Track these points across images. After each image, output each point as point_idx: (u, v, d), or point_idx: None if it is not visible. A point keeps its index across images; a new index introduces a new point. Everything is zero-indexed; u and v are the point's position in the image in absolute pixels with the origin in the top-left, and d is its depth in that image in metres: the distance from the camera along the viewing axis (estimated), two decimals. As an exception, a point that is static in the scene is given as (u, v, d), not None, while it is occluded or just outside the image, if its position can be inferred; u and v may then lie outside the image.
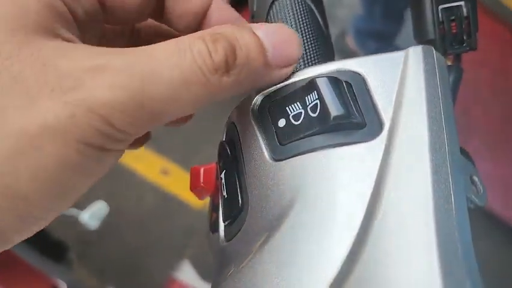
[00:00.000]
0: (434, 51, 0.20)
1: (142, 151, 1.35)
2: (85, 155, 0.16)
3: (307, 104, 0.18)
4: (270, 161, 0.19)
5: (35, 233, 0.18)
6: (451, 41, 0.23)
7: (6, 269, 0.74)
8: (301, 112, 0.18)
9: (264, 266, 0.17)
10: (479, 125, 1.23)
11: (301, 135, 0.18)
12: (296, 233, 0.17)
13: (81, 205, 1.02)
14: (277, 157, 0.19)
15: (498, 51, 1.30)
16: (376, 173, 0.17)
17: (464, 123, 1.21)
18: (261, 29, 0.19)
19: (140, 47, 0.17)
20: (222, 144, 0.23)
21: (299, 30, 0.24)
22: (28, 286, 0.74)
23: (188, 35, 0.18)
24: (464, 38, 0.23)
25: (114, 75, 0.16)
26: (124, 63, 0.16)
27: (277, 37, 0.19)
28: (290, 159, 0.18)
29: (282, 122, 0.19)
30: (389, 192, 0.16)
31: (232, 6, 0.23)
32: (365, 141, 0.17)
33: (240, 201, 0.20)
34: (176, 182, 1.34)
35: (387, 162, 0.17)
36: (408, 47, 0.19)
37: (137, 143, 0.27)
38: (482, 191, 0.18)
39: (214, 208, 0.25)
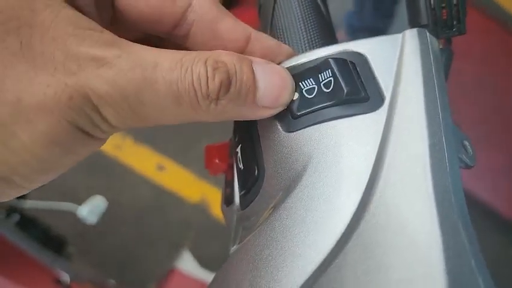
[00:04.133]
0: (428, 33, 0.22)
1: (138, 147, 1.37)
2: (72, 137, 0.17)
3: (321, 80, 0.21)
4: (284, 133, 0.21)
5: (12, 197, 0.19)
6: (442, 26, 0.25)
7: (10, 262, 0.75)
8: (314, 87, 0.21)
9: (281, 221, 0.19)
10: (467, 118, 1.27)
11: (314, 108, 0.20)
12: (310, 192, 0.19)
13: (79, 200, 1.04)
14: (290, 129, 0.21)
15: (481, 42, 1.34)
16: (380, 138, 0.19)
17: (452, 116, 1.23)
18: (261, 66, 0.20)
19: (149, 50, 0.18)
20: (236, 122, 0.25)
21: (304, 17, 0.26)
22: (32, 278, 0.76)
23: (196, 52, 0.18)
24: (454, 23, 0.25)
25: (116, 73, 0.17)
26: (128, 64, 0.17)
27: (273, 79, 0.20)
28: (302, 130, 0.20)
29: (295, 96, 0.21)
30: (392, 153, 0.18)
31: (225, 6, 0.23)
32: (369, 112, 0.20)
33: (256, 171, 0.22)
34: (172, 177, 1.35)
35: (389, 129, 0.19)
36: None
37: None
38: (471, 153, 0.20)
39: (227, 184, 0.28)
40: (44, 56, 0.16)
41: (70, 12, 0.17)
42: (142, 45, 0.18)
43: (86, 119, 0.17)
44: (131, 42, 0.18)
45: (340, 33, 1.40)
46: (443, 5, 0.25)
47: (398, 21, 1.32)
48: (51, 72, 0.16)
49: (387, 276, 0.15)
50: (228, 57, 0.19)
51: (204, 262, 1.00)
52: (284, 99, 0.20)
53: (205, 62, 0.18)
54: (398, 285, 0.15)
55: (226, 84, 0.18)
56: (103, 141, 0.19)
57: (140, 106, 0.17)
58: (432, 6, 0.25)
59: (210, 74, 0.18)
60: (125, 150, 1.34)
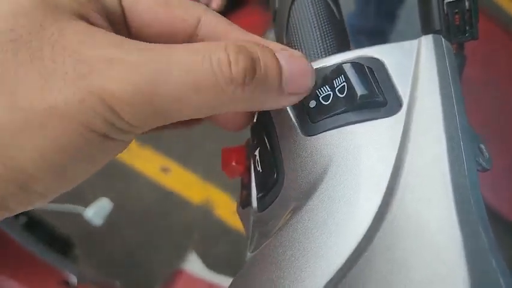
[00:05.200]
0: (443, 39, 0.23)
1: (142, 149, 1.38)
2: (88, 140, 0.17)
3: (335, 86, 0.21)
4: (303, 136, 0.22)
5: (35, 206, 0.19)
6: (455, 31, 0.26)
7: (17, 264, 0.76)
8: (330, 94, 0.21)
9: (303, 223, 0.20)
10: (470, 120, 1.27)
11: (331, 114, 0.21)
12: (331, 195, 0.19)
13: (85, 202, 1.04)
14: (310, 133, 0.21)
15: (487, 48, 1.34)
16: (398, 142, 0.19)
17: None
18: (282, 54, 0.20)
19: (160, 45, 0.18)
20: (254, 125, 0.26)
21: (319, 24, 0.27)
22: (39, 280, 0.76)
23: (214, 42, 0.18)
24: (467, 28, 0.26)
25: (127, 70, 0.17)
26: (140, 59, 0.17)
27: (295, 65, 0.20)
28: (322, 133, 0.21)
29: (312, 103, 0.21)
30: (411, 157, 0.19)
31: (229, 7, 0.24)
32: (387, 117, 0.20)
33: (275, 174, 0.23)
34: (176, 179, 1.36)
35: (407, 133, 0.19)
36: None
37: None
38: (488, 157, 0.21)
39: (244, 187, 0.28)
40: (55, 63, 0.17)
41: (79, 23, 0.18)
42: (152, 43, 0.18)
43: (101, 121, 0.17)
44: (141, 42, 0.18)
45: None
46: (456, 10, 0.25)
47: (400, 22, 1.32)
48: (62, 78, 0.16)
49: (410, 277, 0.16)
50: (248, 44, 0.19)
51: (209, 263, 1.01)
52: (308, 84, 0.20)
53: (225, 49, 0.18)
54: (421, 285, 0.16)
55: (251, 68, 0.18)
56: (125, 143, 0.19)
57: (157, 100, 0.17)
58: (445, 12, 0.26)
59: (232, 58, 0.18)
60: (130, 153, 1.35)
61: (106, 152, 0.18)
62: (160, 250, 1.24)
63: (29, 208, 0.19)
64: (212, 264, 1.02)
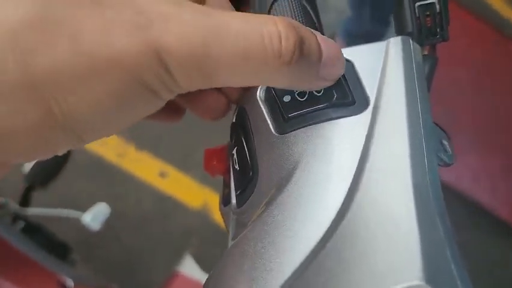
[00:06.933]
0: (411, 41, 0.23)
1: (140, 154, 1.39)
2: (138, 93, 0.17)
3: None
4: (276, 135, 0.22)
5: (69, 149, 0.19)
6: (427, 33, 0.27)
7: (16, 268, 0.77)
8: (305, 91, 0.22)
9: (273, 217, 0.20)
10: (465, 121, 1.29)
11: (305, 110, 0.22)
12: (300, 188, 0.20)
13: (83, 207, 1.05)
14: (283, 131, 0.22)
15: (480, 49, 1.35)
16: (364, 138, 0.20)
17: (451, 119, 1.26)
18: (320, 37, 0.20)
19: (214, 9, 0.18)
20: (233, 125, 0.27)
21: None
22: (38, 283, 0.77)
23: (264, 15, 0.18)
24: (438, 30, 0.27)
25: (183, 27, 0.17)
26: (195, 19, 0.17)
27: (332, 51, 0.20)
28: (293, 131, 0.22)
29: (287, 98, 0.22)
30: (374, 152, 0.20)
31: (234, 5, 0.24)
32: (355, 115, 0.21)
33: (250, 171, 0.24)
34: (174, 184, 1.37)
35: (373, 130, 0.20)
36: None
37: (175, 116, 0.28)
38: (450, 152, 0.21)
39: (225, 185, 0.29)
40: (113, 11, 0.17)
41: None
42: (205, 7, 0.18)
43: (153, 77, 0.17)
44: (194, 3, 0.18)
45: (338, 40, 1.42)
46: (427, 13, 0.26)
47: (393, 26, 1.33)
48: (121, 26, 0.16)
49: (370, 266, 0.17)
50: (295, 22, 0.19)
51: (206, 267, 1.02)
52: (339, 72, 0.21)
53: (276, 23, 0.18)
54: (380, 274, 0.16)
55: (301, 46, 0.18)
56: (163, 103, 0.19)
57: (208, 60, 0.17)
58: (417, 15, 0.27)
59: (283, 33, 0.18)
60: (128, 158, 1.36)
61: (148, 106, 0.19)
62: (157, 254, 1.25)
63: (62, 151, 0.19)
64: (209, 267, 1.03)
